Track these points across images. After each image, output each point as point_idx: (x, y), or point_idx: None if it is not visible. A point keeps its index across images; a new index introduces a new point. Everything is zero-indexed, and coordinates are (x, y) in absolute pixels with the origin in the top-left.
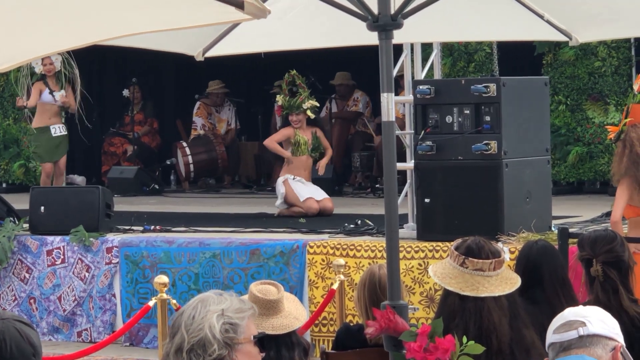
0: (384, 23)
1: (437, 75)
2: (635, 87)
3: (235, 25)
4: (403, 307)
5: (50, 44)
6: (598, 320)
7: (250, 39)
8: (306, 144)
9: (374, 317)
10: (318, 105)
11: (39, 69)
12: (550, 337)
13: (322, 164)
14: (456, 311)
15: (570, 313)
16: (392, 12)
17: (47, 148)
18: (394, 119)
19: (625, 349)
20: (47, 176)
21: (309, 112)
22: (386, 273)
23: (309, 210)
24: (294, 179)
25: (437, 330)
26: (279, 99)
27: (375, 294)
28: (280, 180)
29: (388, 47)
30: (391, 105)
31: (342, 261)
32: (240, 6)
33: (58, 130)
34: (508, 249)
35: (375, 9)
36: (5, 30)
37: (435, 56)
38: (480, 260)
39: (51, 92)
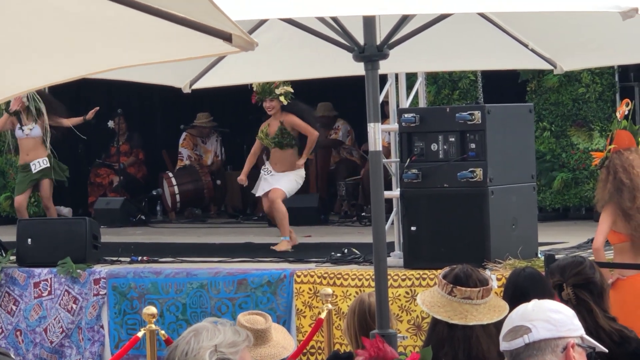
0: (370, 54)
1: (422, 103)
2: (619, 114)
3: (221, 57)
4: (392, 335)
5: (37, 79)
6: (543, 322)
7: (237, 70)
8: (267, 137)
9: (363, 345)
10: (292, 91)
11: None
12: (501, 343)
13: (303, 157)
14: (445, 339)
15: (517, 316)
16: (378, 42)
17: (18, 182)
18: (380, 149)
19: (585, 337)
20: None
21: (282, 99)
22: (374, 301)
23: (264, 208)
24: (268, 172)
25: (427, 358)
26: (254, 85)
27: (365, 322)
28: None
29: (374, 77)
30: (378, 135)
31: (329, 290)
32: (228, 39)
33: (38, 164)
34: (495, 276)
35: (361, 40)
36: None
37: (420, 84)
38: (469, 289)
39: (21, 127)
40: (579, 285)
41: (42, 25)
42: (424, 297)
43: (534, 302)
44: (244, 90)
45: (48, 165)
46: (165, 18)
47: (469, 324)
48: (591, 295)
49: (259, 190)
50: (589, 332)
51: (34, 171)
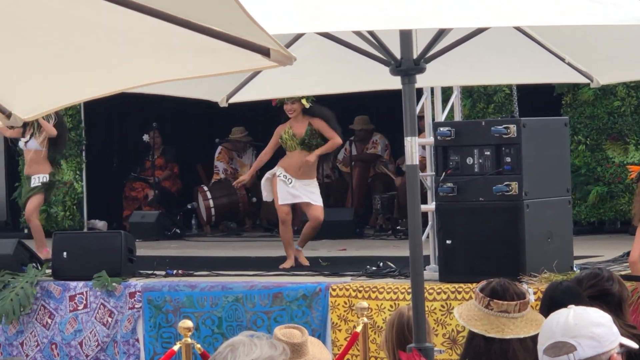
0: (407, 68)
1: (457, 117)
2: None
3: (258, 71)
4: (429, 349)
5: (76, 93)
6: (588, 340)
7: (274, 84)
8: (293, 138)
9: (400, 359)
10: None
11: None
12: (542, 356)
13: (315, 153)
14: (482, 353)
15: (559, 329)
16: (415, 56)
17: (24, 197)
18: (417, 163)
19: (622, 341)
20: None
21: (304, 101)
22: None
23: (280, 216)
24: (284, 176)
25: None
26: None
27: (403, 335)
28: (269, 173)
29: (411, 91)
30: (415, 148)
31: (365, 304)
32: (266, 53)
33: (37, 180)
34: (532, 290)
35: (397, 54)
36: (31, 79)
37: (455, 98)
38: (505, 302)
39: (22, 138)
40: (596, 297)
41: (80, 40)
42: (461, 311)
43: (574, 314)
44: (279, 105)
45: (46, 181)
46: (203, 33)
47: (505, 337)
48: (608, 307)
49: (281, 199)
50: None
51: (31, 185)
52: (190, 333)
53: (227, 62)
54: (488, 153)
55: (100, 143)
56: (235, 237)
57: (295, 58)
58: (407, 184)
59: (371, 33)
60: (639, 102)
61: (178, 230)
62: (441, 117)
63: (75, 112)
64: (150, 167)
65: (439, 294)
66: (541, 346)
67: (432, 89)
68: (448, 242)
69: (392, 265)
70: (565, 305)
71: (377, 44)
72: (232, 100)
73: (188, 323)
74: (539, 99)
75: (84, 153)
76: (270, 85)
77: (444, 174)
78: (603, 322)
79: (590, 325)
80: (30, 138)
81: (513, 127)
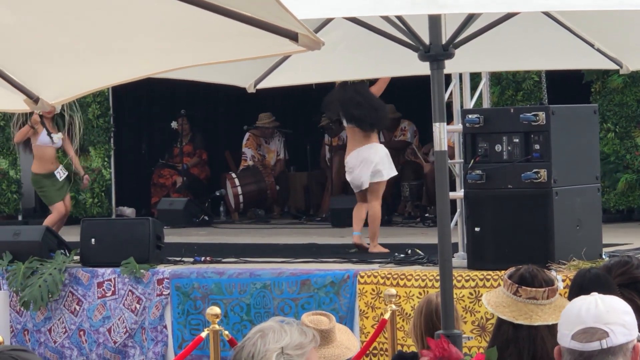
0: (436, 53)
1: (486, 104)
2: None
3: (286, 57)
4: (457, 336)
5: (103, 78)
6: (620, 327)
7: (302, 70)
8: None
9: (428, 346)
10: None
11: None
12: (569, 341)
13: None
14: (510, 340)
15: (589, 316)
16: (444, 42)
17: (55, 190)
18: (446, 149)
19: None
20: (59, 215)
21: None
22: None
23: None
24: None
25: (492, 359)
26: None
27: (432, 322)
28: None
29: (440, 77)
30: (443, 134)
31: (393, 291)
32: (294, 38)
33: (62, 173)
34: (561, 277)
35: (426, 39)
36: (58, 64)
37: (483, 85)
38: (534, 289)
39: (49, 134)
40: (625, 285)
41: (108, 25)
42: (489, 297)
43: (602, 301)
44: (307, 91)
45: (67, 173)
46: (231, 17)
47: (534, 324)
48: (638, 294)
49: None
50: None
51: (59, 179)
52: (218, 319)
53: (255, 47)
54: (517, 140)
55: (128, 130)
56: (263, 224)
57: (324, 43)
58: (436, 170)
59: (399, 18)
60: None
61: (206, 217)
62: (470, 104)
63: (103, 99)
64: (178, 154)
65: (467, 281)
66: (568, 332)
67: (460, 76)
68: (477, 229)
69: (420, 252)
70: (594, 292)
71: (406, 29)
72: (259, 86)
73: (216, 310)
74: (568, 87)
75: (112, 140)
76: (298, 71)
77: (472, 161)
78: (629, 311)
79: (621, 313)
80: (60, 135)
81: (542, 115)
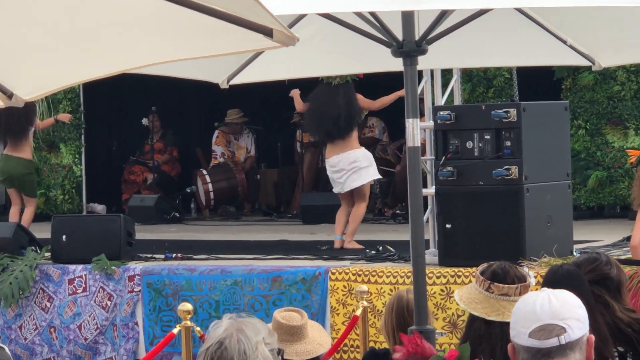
0: (409, 49)
1: (457, 100)
2: None
3: (259, 52)
4: (430, 332)
5: (77, 74)
6: (575, 321)
7: (275, 66)
8: None
9: (400, 341)
10: None
11: None
12: (526, 339)
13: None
14: (482, 336)
15: (545, 312)
16: (417, 38)
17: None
18: (419, 145)
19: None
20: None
21: None
22: (412, 297)
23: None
24: None
25: (465, 355)
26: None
27: (403, 318)
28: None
29: (413, 73)
30: (417, 130)
31: (365, 287)
32: (269, 34)
33: None
34: (533, 273)
35: (399, 36)
36: (32, 60)
37: (455, 82)
38: (506, 285)
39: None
40: (595, 282)
41: (82, 21)
42: (462, 294)
43: (555, 297)
44: (278, 88)
45: None
46: (206, 13)
47: (506, 320)
48: (607, 291)
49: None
50: (607, 325)
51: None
52: (190, 316)
53: (229, 43)
54: (488, 137)
55: (99, 126)
56: (234, 221)
57: (298, 39)
58: (409, 166)
59: (373, 14)
60: (639, 87)
61: (177, 214)
62: (441, 101)
63: (74, 95)
64: (149, 151)
65: (438, 277)
66: (524, 329)
67: (431, 73)
68: (448, 226)
69: (391, 249)
70: (566, 289)
71: (379, 25)
72: (233, 82)
73: (187, 306)
74: (538, 84)
75: (83, 136)
76: (271, 66)
77: (443, 158)
78: (581, 304)
79: (575, 307)
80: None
81: (513, 111)
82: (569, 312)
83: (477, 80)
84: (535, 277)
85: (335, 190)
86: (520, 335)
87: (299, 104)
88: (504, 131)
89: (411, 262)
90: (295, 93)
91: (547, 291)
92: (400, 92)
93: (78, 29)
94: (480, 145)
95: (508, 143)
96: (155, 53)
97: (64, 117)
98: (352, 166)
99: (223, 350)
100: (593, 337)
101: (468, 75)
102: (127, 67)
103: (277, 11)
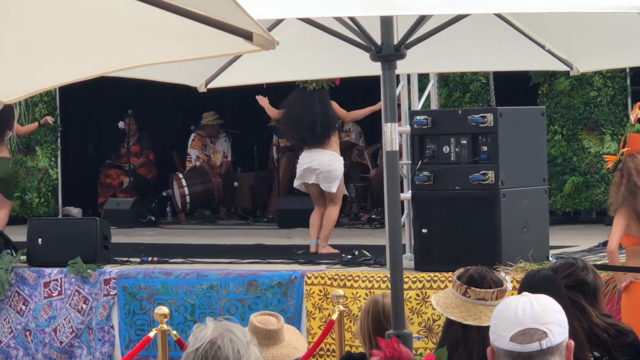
0: (387, 53)
1: (434, 105)
2: (632, 117)
3: (237, 56)
4: (407, 336)
5: (56, 76)
6: (557, 326)
7: (254, 69)
8: None
9: (377, 346)
10: None
11: None
12: (507, 343)
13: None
14: (459, 340)
15: (526, 317)
16: (396, 42)
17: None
18: (397, 149)
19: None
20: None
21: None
22: (388, 301)
23: None
24: None
25: (442, 359)
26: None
27: (379, 322)
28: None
29: (391, 77)
30: (395, 135)
31: (341, 292)
32: (249, 37)
33: None
34: (510, 278)
35: (378, 40)
36: (10, 62)
37: (431, 86)
38: (483, 290)
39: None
40: (571, 287)
41: (61, 23)
42: (438, 298)
43: (537, 301)
44: (255, 92)
45: None
46: (185, 16)
47: (483, 324)
48: (584, 296)
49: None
50: (583, 330)
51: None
52: (166, 319)
53: (209, 46)
54: (465, 142)
55: (75, 130)
56: (210, 225)
57: (278, 42)
58: (387, 171)
59: (352, 18)
60: (615, 93)
61: (153, 218)
62: (417, 105)
63: (50, 98)
64: (125, 154)
65: (414, 282)
66: (506, 333)
67: (408, 77)
68: (424, 231)
69: (367, 253)
70: (543, 294)
71: (358, 30)
72: (211, 86)
73: (164, 310)
74: (515, 89)
75: (59, 140)
76: (250, 70)
77: (420, 162)
78: (561, 309)
79: (556, 312)
80: None
81: (490, 116)
82: (550, 317)
83: (454, 85)
84: (512, 281)
85: (297, 183)
86: (500, 338)
87: (271, 111)
88: (481, 136)
89: (389, 266)
90: (263, 101)
91: (528, 295)
92: (375, 107)
93: (57, 31)
94: (457, 150)
95: (485, 148)
96: (135, 56)
97: (47, 119)
98: (328, 168)
99: (217, 350)
100: (573, 342)
101: (444, 80)
102: (107, 70)
103: (256, 15)
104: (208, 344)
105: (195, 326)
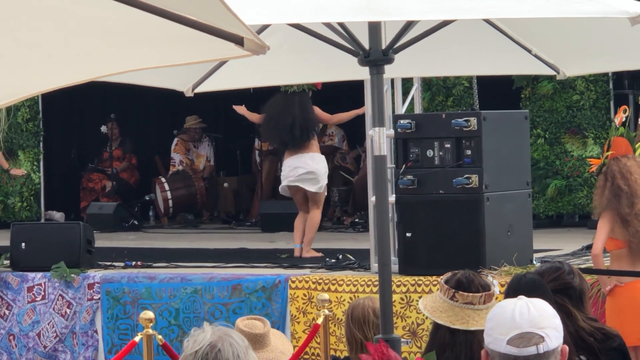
0: (375, 58)
1: (418, 109)
2: (617, 120)
3: (224, 60)
4: (396, 340)
5: (42, 83)
6: (553, 331)
7: (241, 74)
8: None
9: (363, 350)
10: None
11: None
12: (504, 346)
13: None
14: (447, 344)
15: (524, 320)
16: (384, 47)
17: None
18: (385, 154)
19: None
20: None
21: None
22: (371, 305)
23: None
24: None
25: None
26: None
27: (363, 326)
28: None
29: (379, 82)
30: (383, 139)
31: (326, 296)
32: (239, 42)
33: None
34: (497, 282)
35: (366, 45)
36: None
37: (415, 90)
38: (470, 294)
39: None
40: (558, 291)
41: (49, 28)
42: (426, 302)
43: (533, 305)
44: (239, 96)
45: None
46: (176, 21)
47: (470, 329)
48: (570, 300)
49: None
50: (570, 334)
51: None
52: (151, 324)
53: (199, 51)
54: (448, 146)
55: (58, 134)
56: (193, 229)
57: (269, 47)
58: (375, 175)
59: (340, 24)
60: (598, 96)
61: (135, 222)
62: (401, 109)
63: (33, 102)
64: (108, 159)
65: (398, 286)
66: (502, 336)
67: (392, 82)
68: (408, 234)
69: (351, 257)
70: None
71: (346, 34)
72: (198, 90)
73: (149, 314)
74: (497, 93)
75: (41, 144)
76: (237, 75)
77: (404, 166)
78: (556, 314)
79: (552, 316)
80: None
81: (473, 120)
82: (547, 321)
83: (437, 89)
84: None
85: (282, 189)
86: (497, 342)
87: (252, 116)
88: (465, 140)
89: (377, 271)
90: (241, 110)
91: (524, 299)
92: (359, 111)
93: (43, 37)
94: (441, 153)
95: (468, 152)
96: (123, 62)
97: (17, 172)
98: (313, 169)
99: (217, 353)
100: (567, 347)
101: (427, 84)
102: (96, 75)
103: (247, 22)
104: (208, 347)
105: (192, 330)
